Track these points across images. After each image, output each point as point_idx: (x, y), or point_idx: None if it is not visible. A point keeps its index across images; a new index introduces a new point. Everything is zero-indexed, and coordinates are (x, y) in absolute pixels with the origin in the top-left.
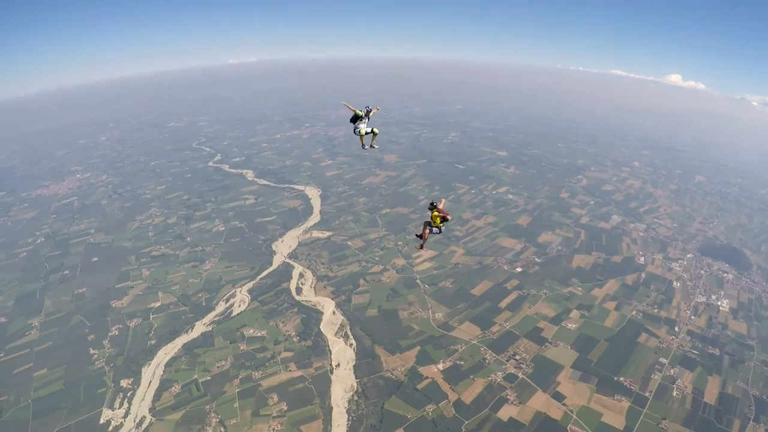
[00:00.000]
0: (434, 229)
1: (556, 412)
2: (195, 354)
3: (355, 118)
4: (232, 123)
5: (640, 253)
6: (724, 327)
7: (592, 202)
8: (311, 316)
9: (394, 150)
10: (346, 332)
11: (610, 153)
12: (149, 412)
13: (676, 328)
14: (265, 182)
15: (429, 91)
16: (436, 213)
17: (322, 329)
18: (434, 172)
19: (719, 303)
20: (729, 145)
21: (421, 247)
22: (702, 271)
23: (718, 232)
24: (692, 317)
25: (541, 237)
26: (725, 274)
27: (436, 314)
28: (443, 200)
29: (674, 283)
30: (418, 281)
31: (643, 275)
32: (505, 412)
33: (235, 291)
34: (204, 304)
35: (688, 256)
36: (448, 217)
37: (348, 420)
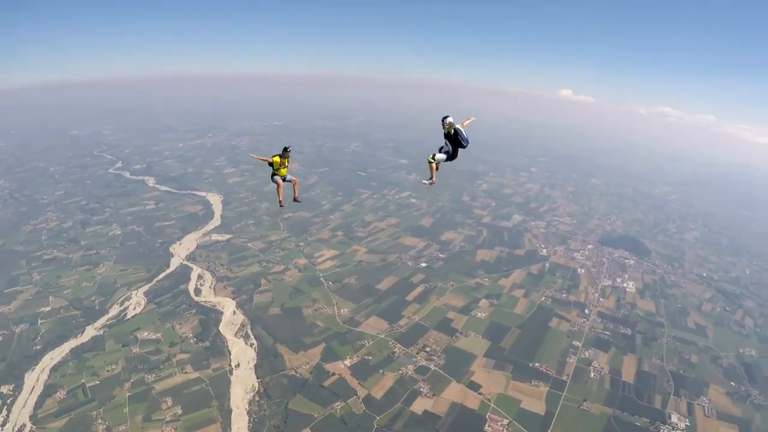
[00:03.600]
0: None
1: (472, 401)
2: (84, 358)
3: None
4: (135, 132)
5: (542, 246)
6: (633, 306)
7: (493, 204)
8: (210, 317)
9: (297, 159)
10: (246, 332)
11: (508, 160)
12: (30, 420)
13: (586, 311)
14: (166, 188)
15: (333, 105)
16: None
17: (221, 330)
18: (337, 179)
19: (625, 285)
20: (621, 152)
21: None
22: (604, 259)
23: (616, 226)
24: (600, 299)
25: (443, 235)
26: (627, 260)
27: (342, 310)
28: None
29: (578, 270)
30: (321, 279)
31: (547, 265)
32: (419, 405)
33: (131, 294)
34: (97, 307)
35: (589, 246)
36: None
37: (249, 422)
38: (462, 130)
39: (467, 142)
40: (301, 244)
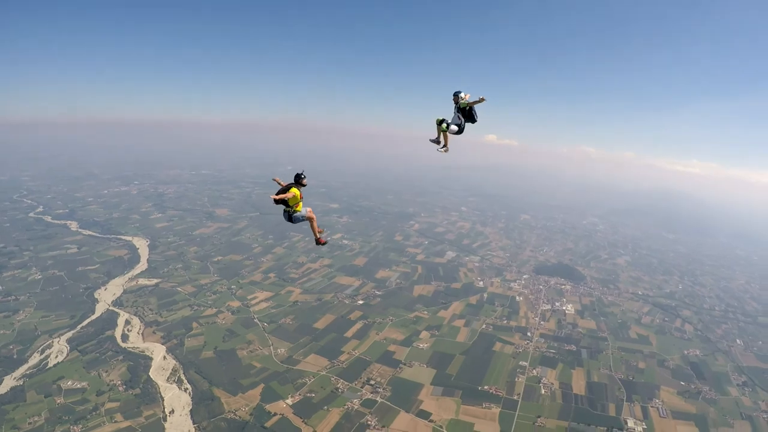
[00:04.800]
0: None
1: (423, 430)
2: (2, 410)
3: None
4: (57, 178)
5: (479, 278)
6: (574, 326)
7: (426, 242)
8: (139, 363)
9: (226, 204)
10: (179, 377)
11: (438, 201)
12: None
13: (529, 333)
14: (89, 233)
15: (262, 153)
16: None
17: (151, 376)
18: (268, 223)
19: (564, 308)
20: (547, 188)
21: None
22: (541, 286)
23: (548, 256)
24: (542, 322)
25: (378, 273)
26: (563, 286)
27: (279, 350)
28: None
29: (517, 297)
30: (256, 320)
31: (485, 295)
32: None
33: (52, 341)
34: (15, 356)
35: (525, 276)
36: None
37: None
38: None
39: (478, 117)
40: (233, 287)
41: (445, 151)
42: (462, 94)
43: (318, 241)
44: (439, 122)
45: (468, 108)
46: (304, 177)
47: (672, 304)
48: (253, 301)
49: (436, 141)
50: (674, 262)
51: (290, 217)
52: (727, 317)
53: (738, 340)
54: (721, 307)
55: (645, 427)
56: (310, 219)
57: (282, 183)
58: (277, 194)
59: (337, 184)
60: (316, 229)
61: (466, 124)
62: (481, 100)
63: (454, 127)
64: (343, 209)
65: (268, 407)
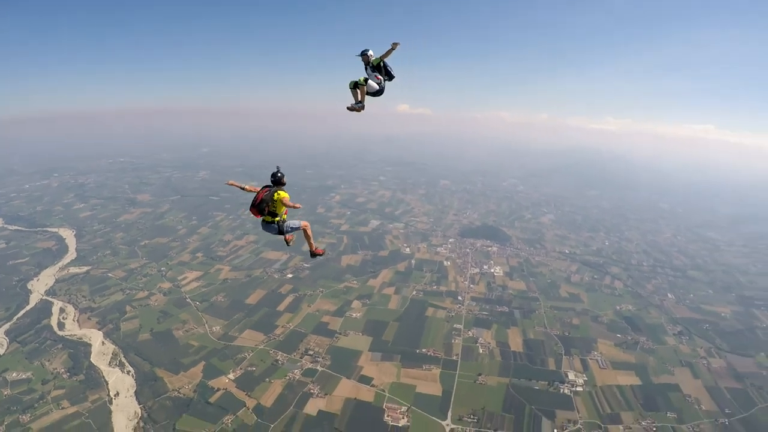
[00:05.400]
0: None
1: (366, 394)
2: None
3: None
4: None
5: (405, 245)
6: (504, 288)
7: (349, 213)
8: (79, 350)
9: (147, 190)
10: (120, 360)
11: (357, 172)
12: None
13: (460, 297)
14: (16, 227)
15: (177, 138)
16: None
17: (93, 361)
18: (190, 205)
19: (492, 270)
20: (465, 154)
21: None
22: (467, 250)
23: (472, 219)
24: (471, 286)
25: (305, 246)
26: (489, 248)
27: (214, 328)
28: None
29: (445, 262)
30: (188, 300)
31: (413, 262)
32: (313, 406)
33: None
34: None
35: (451, 240)
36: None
37: None
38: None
39: (394, 72)
40: (162, 268)
41: (361, 108)
42: (370, 52)
43: (314, 253)
44: (353, 85)
45: (382, 65)
46: (283, 175)
47: (600, 261)
48: (184, 282)
49: (354, 106)
50: (599, 218)
51: (280, 228)
52: (656, 272)
53: (669, 294)
54: (649, 262)
55: (586, 378)
56: (304, 229)
57: (252, 188)
58: (256, 204)
59: (254, 163)
60: (312, 239)
61: (386, 83)
62: (395, 47)
63: (374, 84)
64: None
65: (210, 383)
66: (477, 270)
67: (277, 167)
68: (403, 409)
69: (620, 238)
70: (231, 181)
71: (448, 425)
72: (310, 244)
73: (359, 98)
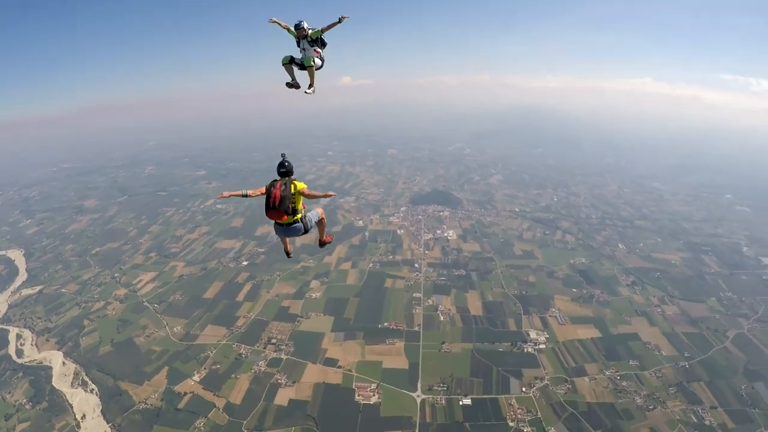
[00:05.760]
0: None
1: (334, 377)
2: None
3: None
4: None
5: (357, 218)
6: (459, 251)
7: None
8: (40, 375)
9: (93, 195)
10: (82, 379)
11: (304, 150)
12: None
13: (416, 265)
14: None
15: (123, 134)
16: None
17: (55, 385)
18: (138, 204)
19: (446, 234)
20: (409, 122)
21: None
22: (420, 216)
23: (422, 186)
24: (426, 252)
25: (258, 231)
26: (441, 213)
27: (175, 328)
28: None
29: (398, 231)
30: (146, 304)
31: (366, 234)
32: (283, 397)
33: None
34: None
35: (402, 209)
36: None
37: None
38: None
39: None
40: (116, 275)
41: (313, 92)
42: (305, 24)
43: (323, 242)
44: (288, 61)
45: (319, 38)
46: (290, 163)
47: (550, 217)
48: (139, 285)
49: (293, 84)
50: (545, 175)
51: (305, 227)
52: (605, 224)
53: (620, 245)
54: (598, 215)
55: (547, 335)
56: (321, 220)
57: (256, 191)
58: (277, 205)
59: (198, 151)
60: (324, 229)
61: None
62: (342, 20)
63: (318, 61)
64: (210, 175)
65: (176, 389)
66: (431, 236)
67: (283, 155)
68: (373, 386)
69: (568, 194)
70: (225, 193)
71: (419, 396)
72: (321, 233)
73: (310, 81)
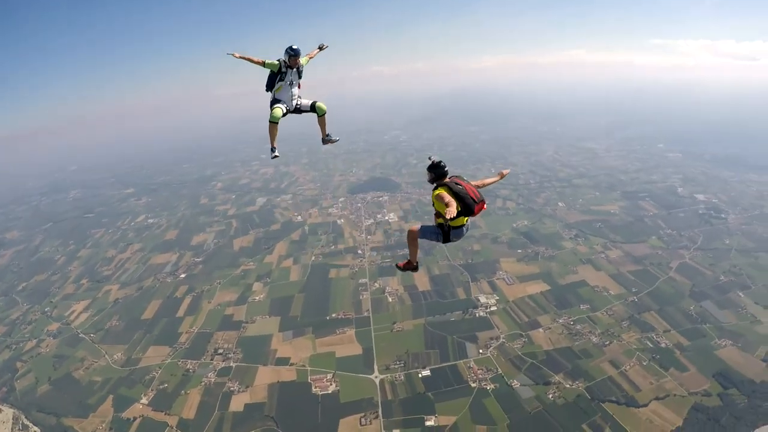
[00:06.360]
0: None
1: (288, 375)
2: None
3: None
4: None
5: (296, 214)
6: (401, 232)
7: (234, 197)
8: None
9: (15, 226)
10: (23, 423)
11: (236, 156)
12: None
13: (360, 251)
14: None
15: (45, 158)
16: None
17: None
18: (64, 230)
19: (387, 218)
20: (341, 115)
21: (414, 266)
22: (359, 204)
23: (359, 176)
24: (368, 237)
25: (193, 240)
26: (381, 198)
27: (115, 356)
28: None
29: (338, 221)
30: (81, 335)
31: (306, 228)
32: (237, 403)
33: None
34: None
35: (341, 199)
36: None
37: None
38: None
39: None
40: (47, 309)
41: (338, 139)
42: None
43: (409, 266)
44: (279, 118)
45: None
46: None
47: (489, 188)
48: (72, 316)
49: (276, 154)
50: (483, 150)
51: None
52: (543, 187)
53: (560, 203)
54: (536, 179)
55: (497, 297)
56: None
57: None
58: (477, 200)
59: (124, 170)
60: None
61: None
62: (323, 48)
63: (305, 102)
64: (139, 191)
65: (124, 415)
66: (371, 221)
67: (430, 157)
68: (329, 376)
69: (506, 164)
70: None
71: (377, 377)
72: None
73: (322, 133)
